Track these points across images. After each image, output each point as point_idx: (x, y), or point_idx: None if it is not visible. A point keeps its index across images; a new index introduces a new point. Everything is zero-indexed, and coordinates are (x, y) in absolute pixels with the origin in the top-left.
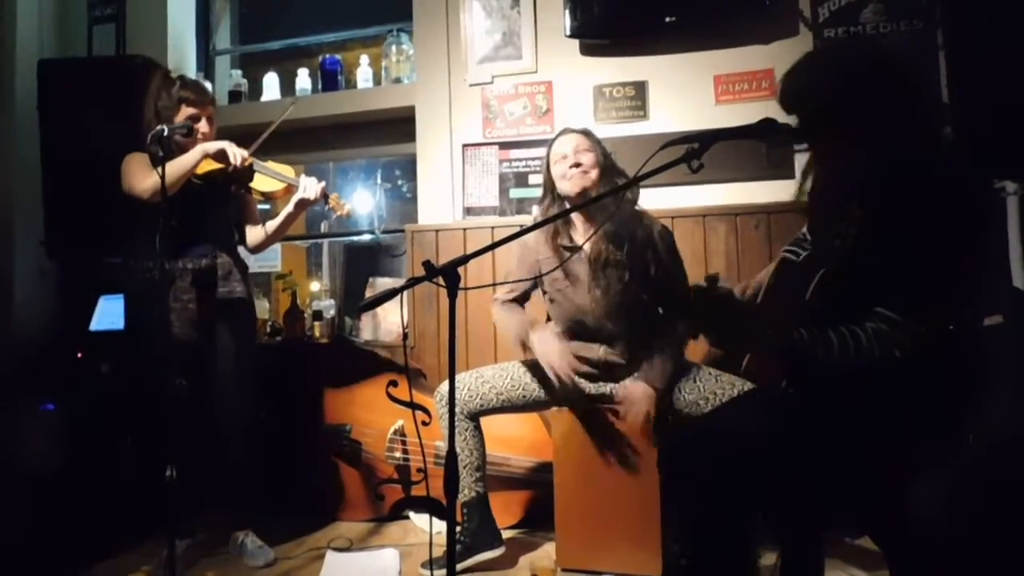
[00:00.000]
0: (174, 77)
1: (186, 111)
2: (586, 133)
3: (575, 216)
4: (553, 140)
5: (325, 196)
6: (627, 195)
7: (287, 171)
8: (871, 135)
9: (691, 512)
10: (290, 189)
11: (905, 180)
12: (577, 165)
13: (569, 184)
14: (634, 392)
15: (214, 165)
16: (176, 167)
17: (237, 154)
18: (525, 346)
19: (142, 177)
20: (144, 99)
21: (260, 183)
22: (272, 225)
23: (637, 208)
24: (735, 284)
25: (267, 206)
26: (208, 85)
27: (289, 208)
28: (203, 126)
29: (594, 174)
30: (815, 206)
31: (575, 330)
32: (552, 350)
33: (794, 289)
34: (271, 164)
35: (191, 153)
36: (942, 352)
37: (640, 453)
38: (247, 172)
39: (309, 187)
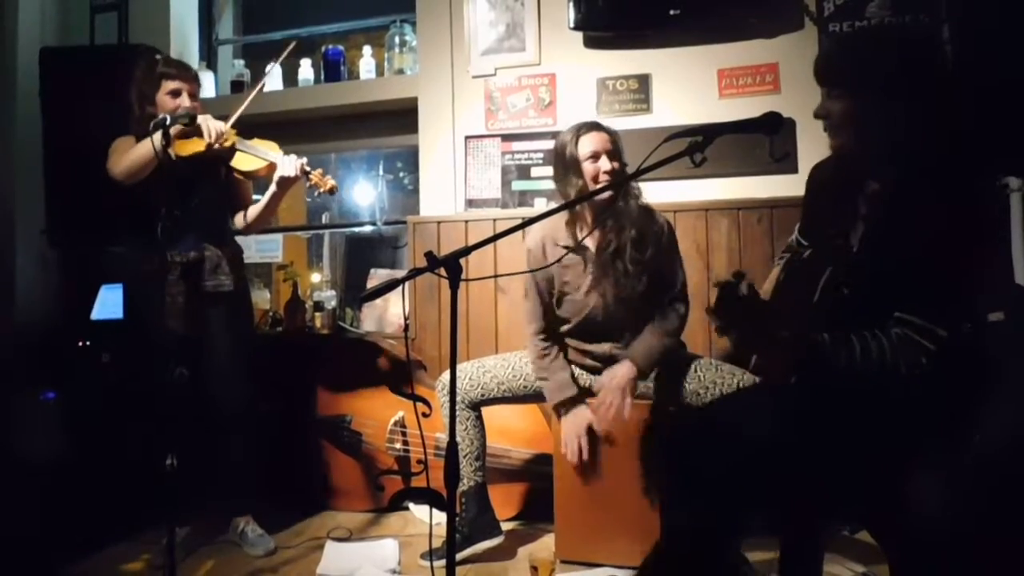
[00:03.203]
0: (157, 58)
1: (167, 85)
2: (613, 133)
3: (587, 213)
4: (579, 131)
5: (306, 172)
6: (633, 190)
7: (272, 148)
8: (893, 124)
9: (691, 502)
10: (272, 167)
11: (916, 177)
12: (611, 172)
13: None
14: (614, 371)
15: (195, 147)
16: (147, 144)
17: (212, 128)
18: (557, 413)
19: (116, 159)
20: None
21: (240, 162)
22: (255, 209)
23: (642, 202)
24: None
25: None
26: (210, 76)
27: (272, 188)
28: (184, 100)
29: None
30: (813, 207)
31: (583, 328)
32: (573, 438)
33: (802, 286)
34: (255, 142)
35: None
36: (951, 351)
37: (640, 444)
38: (228, 151)
39: (287, 164)
